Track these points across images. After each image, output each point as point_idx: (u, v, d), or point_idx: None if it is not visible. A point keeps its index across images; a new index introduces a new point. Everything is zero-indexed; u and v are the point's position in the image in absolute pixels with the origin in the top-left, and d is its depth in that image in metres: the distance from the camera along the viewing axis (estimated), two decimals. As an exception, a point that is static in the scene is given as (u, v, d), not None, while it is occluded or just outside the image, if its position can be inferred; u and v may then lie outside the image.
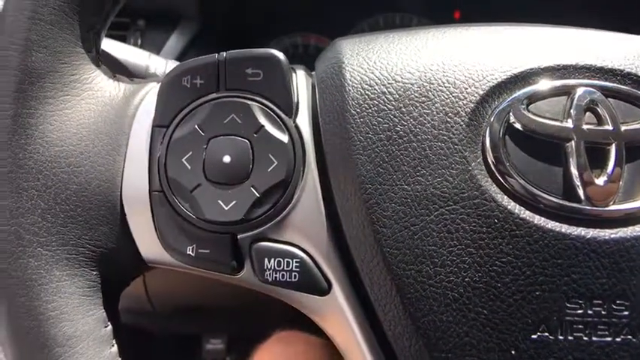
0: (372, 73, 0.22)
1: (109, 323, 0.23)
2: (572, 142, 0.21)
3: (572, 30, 0.25)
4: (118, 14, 0.61)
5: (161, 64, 0.39)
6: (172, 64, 0.40)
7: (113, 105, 0.24)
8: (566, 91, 0.22)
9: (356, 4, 0.71)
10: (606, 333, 0.20)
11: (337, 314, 0.23)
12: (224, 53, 0.24)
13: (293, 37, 0.72)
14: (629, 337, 0.20)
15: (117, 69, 0.37)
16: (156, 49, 0.60)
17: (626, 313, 0.20)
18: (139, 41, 0.60)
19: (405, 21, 0.72)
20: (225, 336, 0.76)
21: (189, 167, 0.22)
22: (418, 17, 0.72)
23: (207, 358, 0.84)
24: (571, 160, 0.21)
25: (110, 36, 0.58)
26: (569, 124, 0.21)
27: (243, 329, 0.70)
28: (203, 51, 0.61)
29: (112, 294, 0.24)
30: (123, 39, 0.60)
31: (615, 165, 0.21)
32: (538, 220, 0.21)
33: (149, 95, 0.24)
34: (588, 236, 0.20)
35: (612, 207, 0.21)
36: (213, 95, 0.23)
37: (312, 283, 0.22)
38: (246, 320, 0.67)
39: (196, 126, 0.22)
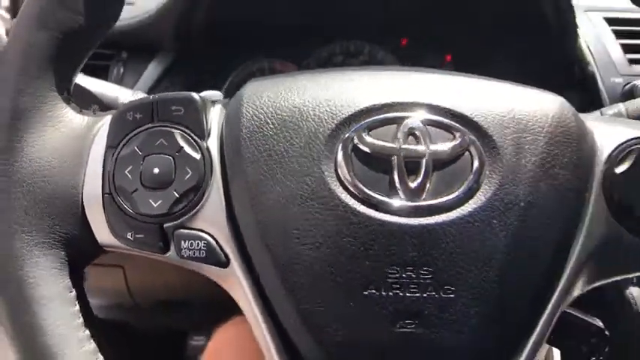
0: (261, 108, 0.31)
1: (73, 290, 0.31)
2: (395, 157, 0.30)
3: (409, 72, 0.34)
4: (103, 46, 0.71)
5: (128, 95, 0.48)
6: (139, 95, 0.49)
7: (78, 133, 0.33)
8: (396, 122, 0.31)
9: (316, 34, 0.80)
10: (416, 290, 0.29)
11: (236, 282, 0.31)
12: (157, 95, 0.33)
13: (260, 62, 0.81)
14: (433, 293, 0.29)
15: (92, 100, 0.46)
16: (137, 77, 0.69)
17: (430, 276, 0.29)
18: (122, 70, 0.69)
19: (359, 48, 0.81)
20: (210, 332, 0.83)
21: (130, 177, 0.31)
22: (370, 44, 0.81)
23: (191, 354, 0.90)
24: (395, 169, 0.30)
25: (95, 66, 0.68)
26: (395, 144, 0.30)
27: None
28: (176, 78, 0.70)
29: (77, 269, 0.32)
30: (107, 68, 0.69)
31: (425, 173, 0.30)
32: (369, 212, 0.29)
33: (104, 125, 0.33)
34: (404, 222, 0.29)
35: (422, 202, 0.29)
36: (148, 125, 0.32)
37: (215, 258, 0.31)
38: (229, 316, 0.73)
39: (136, 147, 0.31)
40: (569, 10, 0.63)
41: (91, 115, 0.34)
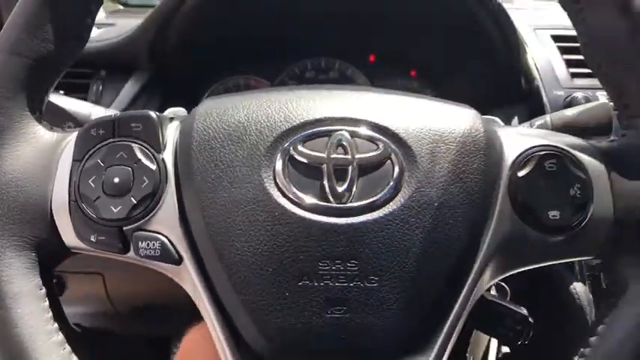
0: (211, 124, 0.36)
1: (43, 287, 0.35)
2: (326, 165, 0.34)
3: (340, 90, 0.38)
4: (83, 65, 0.75)
5: (101, 112, 0.52)
6: (110, 112, 0.53)
7: (48, 148, 0.37)
8: (328, 134, 0.35)
9: (289, 51, 0.84)
10: (344, 280, 0.33)
11: (188, 278, 0.35)
12: (118, 113, 0.37)
13: (236, 79, 0.86)
14: (359, 282, 0.33)
15: (67, 118, 0.50)
16: (115, 94, 0.73)
17: (356, 268, 0.33)
18: (100, 88, 0.73)
19: (329, 64, 0.86)
20: (187, 336, 0.84)
21: (93, 186, 0.35)
22: (340, 61, 0.86)
23: (174, 362, 0.93)
24: (325, 176, 0.34)
25: (75, 84, 0.72)
26: (325, 154, 0.34)
27: None
28: (153, 95, 0.75)
29: (46, 269, 0.36)
30: (87, 86, 0.74)
31: (351, 179, 0.34)
32: (303, 213, 0.33)
33: (71, 141, 0.37)
34: (333, 222, 0.33)
35: (348, 204, 0.34)
36: (110, 140, 0.36)
37: (170, 257, 0.35)
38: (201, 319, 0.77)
39: (99, 160, 0.35)
40: (513, 32, 0.68)
41: (60, 131, 0.38)
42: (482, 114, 0.49)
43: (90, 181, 0.35)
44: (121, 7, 1.09)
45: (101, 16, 0.99)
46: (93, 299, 0.74)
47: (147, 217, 0.35)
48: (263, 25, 0.80)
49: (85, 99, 0.72)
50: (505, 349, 0.71)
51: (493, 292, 0.57)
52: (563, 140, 0.38)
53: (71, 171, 0.36)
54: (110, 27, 0.80)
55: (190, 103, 0.81)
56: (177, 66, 0.78)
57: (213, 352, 0.36)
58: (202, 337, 0.61)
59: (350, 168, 0.34)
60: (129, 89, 0.73)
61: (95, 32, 0.77)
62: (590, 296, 0.59)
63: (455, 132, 0.36)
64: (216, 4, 0.71)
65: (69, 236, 0.36)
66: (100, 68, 0.74)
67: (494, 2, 0.66)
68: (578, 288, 0.62)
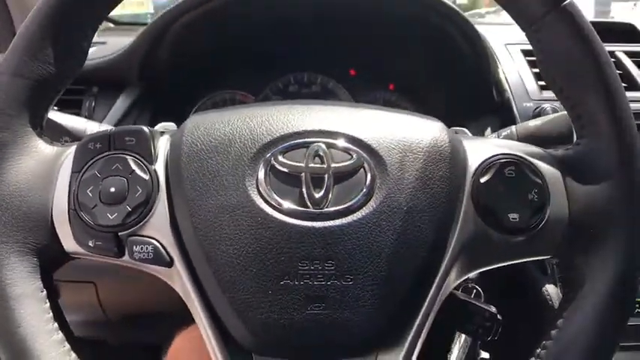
0: (198, 138, 0.39)
1: (44, 290, 0.38)
2: (304, 174, 0.38)
3: (317, 105, 0.41)
4: (76, 82, 0.78)
5: (96, 127, 0.55)
6: (104, 127, 0.56)
7: (48, 161, 0.40)
8: (306, 146, 0.38)
9: (272, 66, 0.88)
10: (322, 279, 0.36)
11: (179, 279, 0.38)
12: (113, 128, 0.40)
13: (222, 94, 0.89)
14: (336, 281, 0.36)
15: (64, 133, 0.53)
16: (107, 109, 0.76)
17: (333, 268, 0.36)
18: (93, 103, 0.76)
19: (312, 78, 0.90)
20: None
21: (91, 195, 0.38)
22: (322, 75, 0.90)
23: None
24: (303, 183, 0.37)
25: (68, 100, 0.75)
26: (303, 164, 0.38)
27: None
28: (144, 110, 0.78)
29: (47, 273, 0.39)
30: (80, 102, 0.76)
31: (327, 186, 0.37)
32: (284, 218, 0.37)
33: (70, 154, 0.40)
34: (311, 225, 0.36)
35: (325, 210, 0.37)
36: (106, 153, 0.39)
37: (161, 259, 0.38)
38: (190, 323, 0.78)
39: (96, 171, 0.38)
40: (483, 48, 0.73)
41: (60, 145, 0.41)
42: (457, 125, 0.53)
43: (88, 191, 0.38)
44: (112, 25, 1.12)
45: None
46: (85, 307, 0.76)
47: (140, 223, 0.38)
48: (248, 42, 0.83)
49: (78, 114, 0.75)
50: (485, 355, 0.75)
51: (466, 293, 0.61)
52: (522, 149, 0.42)
53: (70, 181, 0.38)
54: (101, 45, 0.83)
55: (179, 118, 0.84)
56: (166, 82, 0.81)
57: (200, 353, 0.38)
58: (190, 340, 0.64)
59: (326, 176, 0.37)
60: (120, 105, 0.76)
61: (87, 50, 0.80)
62: (562, 296, 0.63)
63: (422, 142, 0.39)
64: (204, 23, 0.74)
65: (68, 242, 0.38)
66: (93, 85, 0.77)
67: (464, 20, 0.71)
68: (550, 289, 0.65)
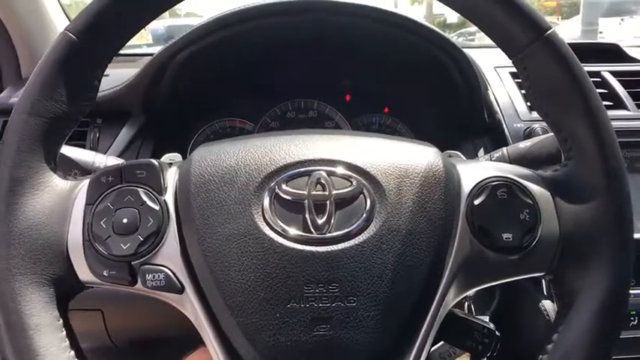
0: (206, 169, 0.41)
1: (61, 319, 0.40)
2: (306, 201, 0.40)
3: (317, 135, 0.43)
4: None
5: (102, 160, 0.57)
6: (111, 160, 0.58)
7: (63, 194, 0.41)
8: (308, 174, 0.41)
9: (270, 94, 0.91)
10: (327, 301, 0.38)
11: (190, 305, 0.40)
12: (125, 162, 0.42)
13: (222, 122, 0.92)
14: (340, 303, 0.38)
15: (73, 166, 0.55)
16: (111, 140, 0.79)
17: (337, 290, 0.38)
18: (97, 135, 0.78)
19: (308, 105, 0.92)
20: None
21: (104, 227, 0.40)
22: (318, 101, 0.93)
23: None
24: (306, 210, 0.39)
25: (74, 132, 0.77)
26: (306, 192, 0.40)
27: None
28: (147, 140, 0.80)
29: (63, 302, 0.40)
30: (84, 133, 0.79)
31: (329, 212, 0.39)
32: (289, 243, 0.38)
33: (84, 187, 0.42)
34: (314, 250, 0.38)
35: (328, 235, 0.39)
36: (118, 186, 0.41)
37: (173, 286, 0.40)
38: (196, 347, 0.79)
39: (108, 203, 0.40)
40: (473, 73, 0.76)
41: (73, 179, 0.43)
42: (450, 146, 0.56)
43: (102, 222, 0.40)
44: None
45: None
46: (92, 335, 0.77)
47: (152, 252, 0.40)
48: (247, 71, 0.86)
49: (82, 145, 0.78)
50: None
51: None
52: (513, 171, 0.44)
53: (84, 214, 0.40)
54: (104, 77, 0.85)
55: (180, 146, 0.87)
56: (168, 112, 0.84)
57: None
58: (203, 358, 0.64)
59: (328, 203, 0.39)
60: (124, 135, 0.78)
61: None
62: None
63: (418, 168, 0.41)
64: (204, 56, 0.77)
65: (83, 272, 0.40)
66: (97, 117, 0.79)
67: (456, 48, 0.74)
68: (547, 305, 0.67)
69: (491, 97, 0.78)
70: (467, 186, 0.42)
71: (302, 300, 0.38)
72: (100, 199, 0.41)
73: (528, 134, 0.72)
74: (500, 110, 0.76)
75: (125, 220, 0.40)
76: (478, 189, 0.42)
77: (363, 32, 0.77)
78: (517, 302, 0.70)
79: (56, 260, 0.40)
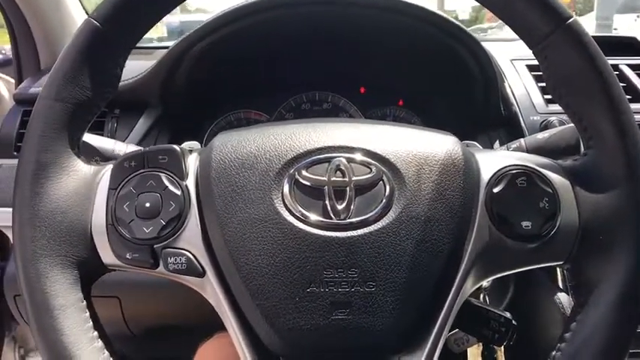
0: (226, 155, 0.41)
1: (84, 300, 0.40)
2: (326, 187, 0.40)
3: (336, 122, 0.44)
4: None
5: (122, 147, 0.58)
6: (131, 147, 0.59)
7: (87, 179, 0.42)
8: (327, 160, 0.41)
9: (285, 86, 0.91)
10: (346, 286, 0.38)
11: (211, 288, 0.40)
12: (147, 148, 0.43)
13: (237, 113, 0.92)
14: (359, 288, 0.38)
15: (95, 153, 0.56)
16: (128, 130, 0.80)
17: (356, 275, 0.38)
18: (115, 125, 0.79)
19: (323, 97, 0.93)
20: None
21: (127, 210, 0.40)
22: (333, 93, 0.93)
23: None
24: (326, 196, 0.40)
25: (93, 121, 0.78)
26: (326, 178, 0.40)
27: None
28: (164, 130, 0.81)
29: (87, 284, 0.41)
30: (102, 123, 0.80)
31: (349, 198, 0.40)
32: (309, 229, 0.39)
33: (107, 172, 0.42)
34: (334, 235, 0.39)
35: (347, 220, 0.39)
36: (141, 170, 0.41)
37: (194, 270, 0.40)
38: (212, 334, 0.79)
39: (131, 188, 0.41)
40: (490, 66, 0.75)
41: (96, 165, 0.44)
42: (466, 138, 0.56)
43: (125, 206, 0.41)
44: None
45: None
46: (109, 322, 0.77)
47: (174, 236, 0.40)
48: (262, 63, 0.87)
49: (101, 135, 0.79)
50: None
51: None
52: (532, 160, 0.44)
53: (108, 198, 0.41)
54: (121, 68, 0.86)
55: (196, 137, 0.88)
56: (184, 103, 0.85)
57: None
58: (215, 350, 0.65)
59: (348, 189, 0.40)
60: (141, 125, 0.79)
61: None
62: (574, 302, 0.64)
63: (437, 155, 0.41)
64: (220, 48, 0.78)
65: (107, 255, 0.41)
66: (115, 107, 0.80)
67: (473, 39, 0.74)
68: (562, 298, 0.67)
69: (508, 90, 0.78)
70: (486, 174, 0.42)
71: (321, 284, 0.38)
72: (123, 184, 0.41)
73: (545, 127, 0.72)
74: (517, 102, 0.76)
75: (148, 205, 0.40)
76: (497, 177, 0.42)
77: (377, 23, 0.77)
78: (531, 295, 0.70)
79: (80, 243, 0.40)
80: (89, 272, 0.41)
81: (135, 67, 0.82)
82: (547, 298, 0.68)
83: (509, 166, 0.42)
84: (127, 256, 0.40)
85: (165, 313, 0.78)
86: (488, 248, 0.41)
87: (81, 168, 0.42)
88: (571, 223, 0.41)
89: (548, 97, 0.76)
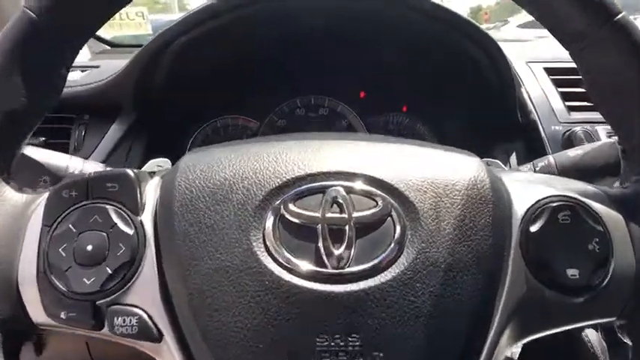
0: (194, 182, 0.33)
1: None
2: (320, 226, 0.31)
3: (332, 141, 0.35)
4: (65, 110, 0.72)
5: (79, 164, 0.49)
6: (90, 165, 0.50)
7: (15, 210, 0.33)
8: (321, 190, 0.32)
9: (277, 90, 0.83)
10: (345, 358, 0.30)
11: (169, 355, 0.32)
12: (92, 173, 0.34)
13: (224, 119, 0.84)
14: (362, 359, 0.30)
15: (43, 172, 0.47)
16: (99, 138, 0.71)
17: (358, 343, 0.30)
18: (84, 133, 0.70)
19: (319, 102, 0.84)
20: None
21: (64, 255, 0.32)
22: (330, 98, 0.84)
23: None
24: (320, 237, 0.31)
25: (57, 129, 0.69)
26: (319, 213, 0.31)
27: None
28: (137, 140, 0.72)
29: (13, 347, 0.33)
30: (69, 131, 0.71)
31: (348, 240, 0.31)
32: (297, 281, 0.30)
33: (42, 203, 0.34)
34: (330, 290, 0.30)
35: (347, 269, 0.31)
36: (83, 202, 0.33)
37: (148, 334, 0.31)
38: None
39: (70, 225, 0.32)
40: (507, 68, 0.66)
41: (30, 192, 0.35)
42: (479, 151, 0.47)
43: (60, 249, 0.32)
44: (108, 47, 1.07)
45: (86, 57, 0.97)
46: (74, 360, 0.69)
47: (123, 289, 0.32)
48: (251, 63, 0.78)
49: (67, 144, 0.70)
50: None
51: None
52: (574, 188, 0.36)
53: (40, 237, 0.32)
54: (94, 69, 0.78)
55: (175, 148, 0.78)
56: (162, 109, 0.76)
57: None
58: None
59: (347, 228, 0.31)
60: (113, 134, 0.70)
61: (78, 75, 0.75)
62: (604, 344, 0.56)
63: (459, 184, 0.33)
64: (204, 44, 0.69)
65: (37, 312, 0.32)
66: (83, 112, 0.71)
67: (487, 37, 0.65)
68: (591, 336, 0.59)
69: (524, 95, 0.69)
70: (520, 208, 0.34)
71: (313, 356, 0.30)
72: (60, 220, 0.33)
73: (568, 138, 0.64)
74: (535, 109, 0.67)
75: (90, 247, 0.32)
76: (534, 211, 0.34)
77: (378, 19, 0.69)
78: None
79: (4, 296, 0.32)
80: (14, 334, 0.32)
81: (110, 67, 0.74)
82: (574, 336, 0.60)
83: (549, 197, 0.34)
84: (62, 316, 0.31)
85: (138, 355, 0.69)
86: (525, 302, 0.33)
87: (9, 197, 0.34)
88: (626, 269, 0.34)
89: (571, 103, 0.68)
